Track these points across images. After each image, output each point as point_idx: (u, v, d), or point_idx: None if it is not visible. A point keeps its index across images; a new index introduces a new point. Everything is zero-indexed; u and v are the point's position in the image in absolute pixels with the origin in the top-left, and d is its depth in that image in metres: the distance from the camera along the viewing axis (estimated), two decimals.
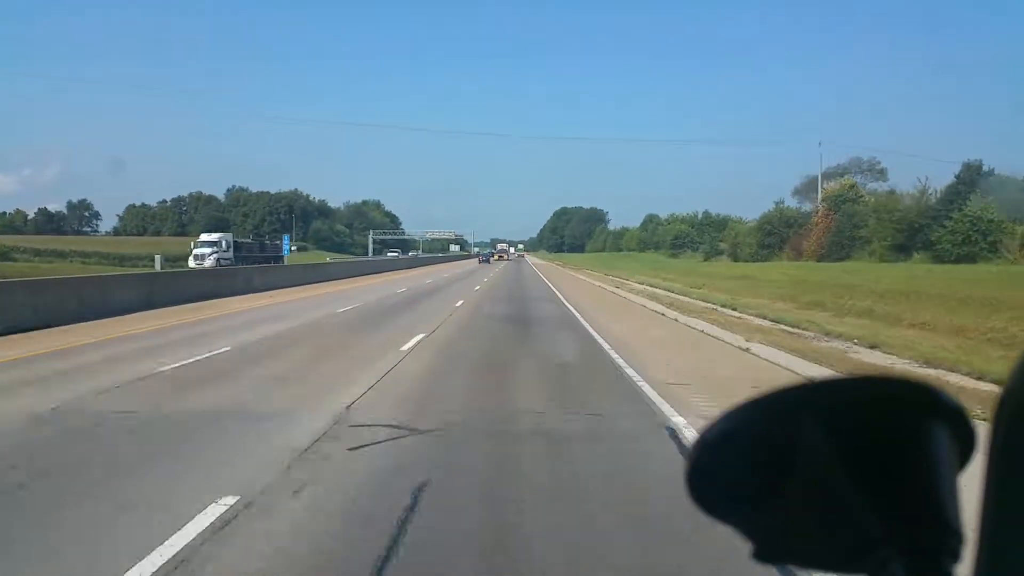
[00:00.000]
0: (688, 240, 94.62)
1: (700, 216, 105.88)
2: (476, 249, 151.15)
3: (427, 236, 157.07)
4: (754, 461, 0.59)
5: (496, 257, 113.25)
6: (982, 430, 0.57)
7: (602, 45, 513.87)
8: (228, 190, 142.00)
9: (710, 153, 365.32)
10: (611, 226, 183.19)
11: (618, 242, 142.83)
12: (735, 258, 72.48)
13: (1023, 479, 0.53)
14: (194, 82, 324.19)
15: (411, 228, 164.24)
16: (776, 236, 67.76)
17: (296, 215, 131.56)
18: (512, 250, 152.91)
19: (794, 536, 0.58)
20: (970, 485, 0.58)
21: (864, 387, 0.59)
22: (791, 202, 79.08)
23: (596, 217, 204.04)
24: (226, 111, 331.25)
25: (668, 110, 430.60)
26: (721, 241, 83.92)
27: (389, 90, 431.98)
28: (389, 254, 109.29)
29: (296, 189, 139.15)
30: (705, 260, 78.99)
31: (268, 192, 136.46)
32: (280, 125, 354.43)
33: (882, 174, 79.31)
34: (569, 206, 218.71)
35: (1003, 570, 0.54)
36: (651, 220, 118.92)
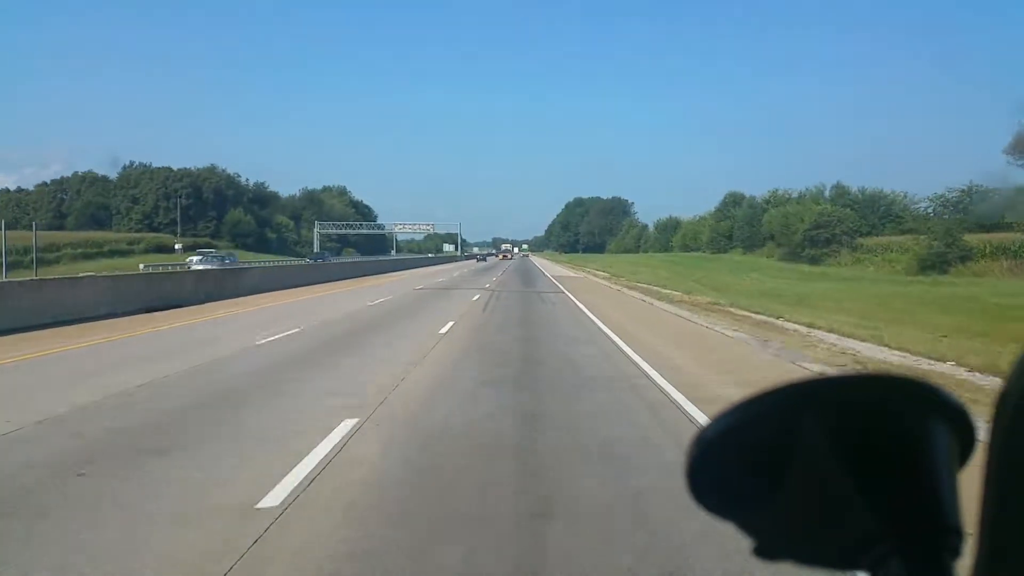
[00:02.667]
0: (841, 231, 52.17)
1: (828, 192, 65.45)
2: (476, 249, 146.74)
3: (395, 230, 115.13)
4: (754, 458, 0.58)
5: (501, 256, 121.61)
6: (983, 428, 0.55)
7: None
8: (123, 167, 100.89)
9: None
10: (640, 219, 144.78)
11: (665, 238, 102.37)
12: None
13: (1023, 477, 0.52)
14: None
15: (392, 222, 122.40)
16: None
17: (207, 199, 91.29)
18: (516, 250, 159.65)
19: (795, 533, 0.58)
20: (970, 483, 0.57)
21: (865, 385, 0.59)
22: (1000, 162, 38.32)
23: (620, 209, 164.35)
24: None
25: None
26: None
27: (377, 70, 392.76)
28: (351, 259, 76.29)
29: (213, 165, 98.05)
30: (943, 272, 37.45)
31: (170, 168, 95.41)
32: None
33: None
34: (584, 196, 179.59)
35: (1003, 568, 0.53)
36: (736, 201, 76.71)
